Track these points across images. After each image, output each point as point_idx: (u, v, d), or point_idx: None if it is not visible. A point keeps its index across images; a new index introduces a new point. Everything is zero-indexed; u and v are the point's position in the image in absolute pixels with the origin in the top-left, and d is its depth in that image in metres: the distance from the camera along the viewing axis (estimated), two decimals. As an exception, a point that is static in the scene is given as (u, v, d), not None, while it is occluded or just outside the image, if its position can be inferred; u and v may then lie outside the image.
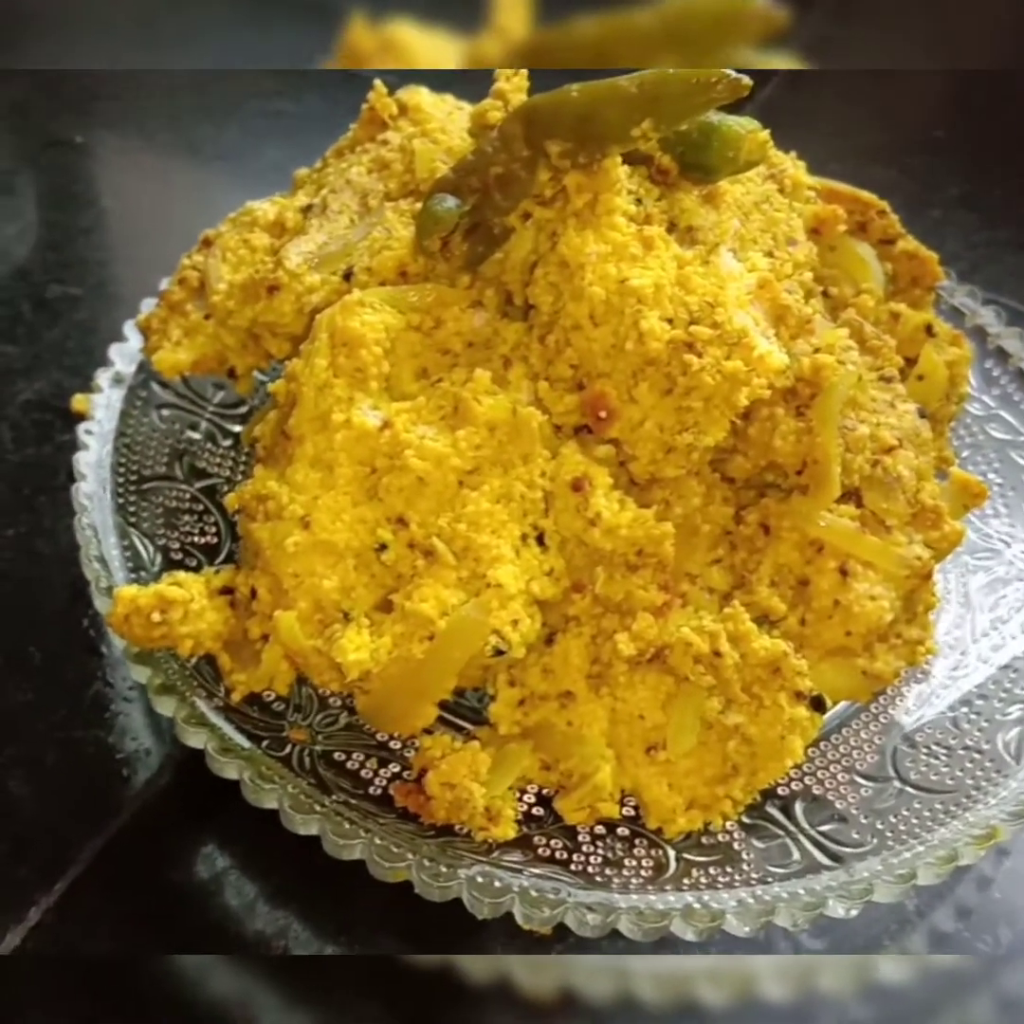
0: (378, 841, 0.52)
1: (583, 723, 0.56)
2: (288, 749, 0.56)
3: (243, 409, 0.73)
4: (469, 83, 0.69)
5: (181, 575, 0.57)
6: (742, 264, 0.59)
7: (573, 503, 0.55)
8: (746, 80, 0.52)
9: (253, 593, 0.57)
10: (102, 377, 0.70)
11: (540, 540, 0.56)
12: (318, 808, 0.53)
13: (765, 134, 0.58)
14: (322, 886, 0.57)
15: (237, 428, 0.72)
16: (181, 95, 1.08)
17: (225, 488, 0.69)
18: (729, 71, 0.51)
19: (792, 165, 0.67)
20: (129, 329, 0.72)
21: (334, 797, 0.54)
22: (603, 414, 0.56)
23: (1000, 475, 0.74)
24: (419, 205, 0.61)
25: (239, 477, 0.69)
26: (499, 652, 0.54)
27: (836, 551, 0.57)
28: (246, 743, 0.55)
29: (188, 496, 0.68)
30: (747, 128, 0.57)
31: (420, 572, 0.54)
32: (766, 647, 0.55)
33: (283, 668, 0.56)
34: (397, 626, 0.54)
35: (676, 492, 0.58)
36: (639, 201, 0.57)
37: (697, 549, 0.58)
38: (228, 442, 0.71)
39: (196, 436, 0.71)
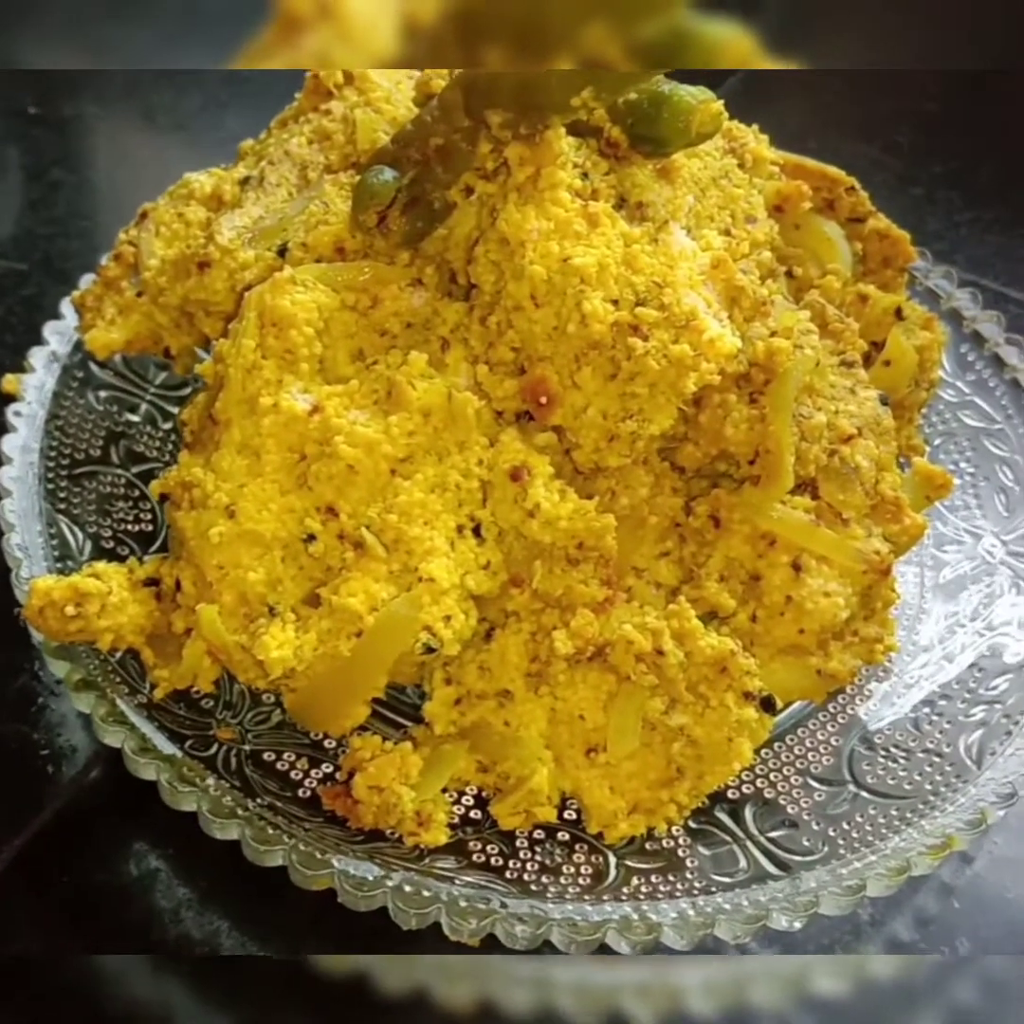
0: (301, 848, 0.49)
1: (521, 723, 0.53)
2: (214, 749, 0.54)
3: (186, 391, 0.71)
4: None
5: (100, 566, 0.55)
6: (695, 242, 0.56)
7: (511, 493, 0.53)
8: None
9: (178, 585, 0.54)
10: (36, 357, 0.68)
11: (477, 532, 0.53)
12: (240, 812, 0.50)
13: (718, 105, 0.55)
14: (253, 889, 0.54)
15: (178, 410, 0.69)
16: (141, 62, 1.05)
17: (164, 473, 0.66)
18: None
19: (754, 139, 0.64)
20: (66, 306, 0.69)
21: (259, 800, 0.52)
22: (544, 399, 0.53)
23: (972, 464, 0.71)
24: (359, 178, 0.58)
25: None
26: (430, 650, 0.51)
27: (789, 545, 0.54)
28: (167, 744, 0.52)
29: (123, 481, 0.65)
30: (699, 98, 0.54)
31: (349, 565, 0.52)
32: (712, 645, 0.52)
33: (206, 664, 0.54)
34: (324, 621, 0.51)
35: (622, 482, 0.55)
36: (585, 175, 0.54)
37: (644, 542, 0.56)
38: (168, 425, 0.69)
39: (135, 419, 0.68)
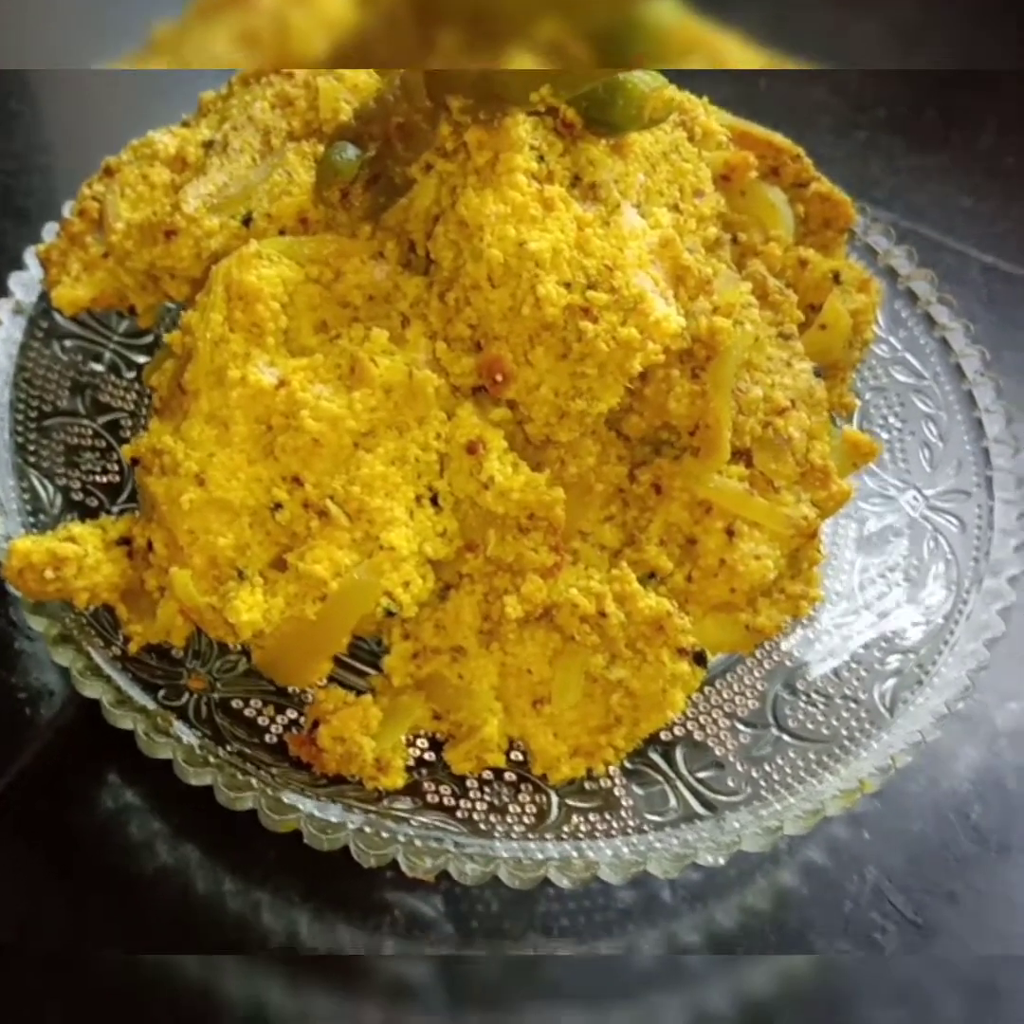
0: (269, 793, 0.54)
1: (473, 677, 0.57)
2: (185, 698, 0.57)
3: (148, 338, 0.72)
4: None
5: (76, 528, 0.57)
6: (645, 219, 0.58)
7: (467, 466, 0.56)
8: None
9: (150, 545, 0.57)
10: (2, 309, 0.69)
11: (434, 502, 0.56)
12: (211, 760, 0.54)
13: (671, 90, 0.57)
14: (223, 824, 0.58)
15: (142, 359, 0.72)
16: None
17: (128, 423, 0.69)
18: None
19: (704, 112, 0.66)
20: (30, 257, 0.71)
21: (229, 747, 0.56)
22: (499, 377, 0.56)
23: (900, 419, 0.75)
24: (321, 147, 0.60)
25: (143, 411, 0.69)
26: (390, 613, 0.55)
27: (724, 512, 0.59)
28: (142, 695, 0.56)
29: (90, 432, 0.67)
30: (652, 85, 0.56)
31: (314, 533, 0.55)
32: (650, 606, 0.57)
33: (179, 622, 0.57)
34: (290, 586, 0.55)
35: (571, 451, 0.59)
36: (541, 157, 0.56)
37: (590, 507, 0.60)
38: (132, 374, 0.71)
39: (99, 368, 0.70)
